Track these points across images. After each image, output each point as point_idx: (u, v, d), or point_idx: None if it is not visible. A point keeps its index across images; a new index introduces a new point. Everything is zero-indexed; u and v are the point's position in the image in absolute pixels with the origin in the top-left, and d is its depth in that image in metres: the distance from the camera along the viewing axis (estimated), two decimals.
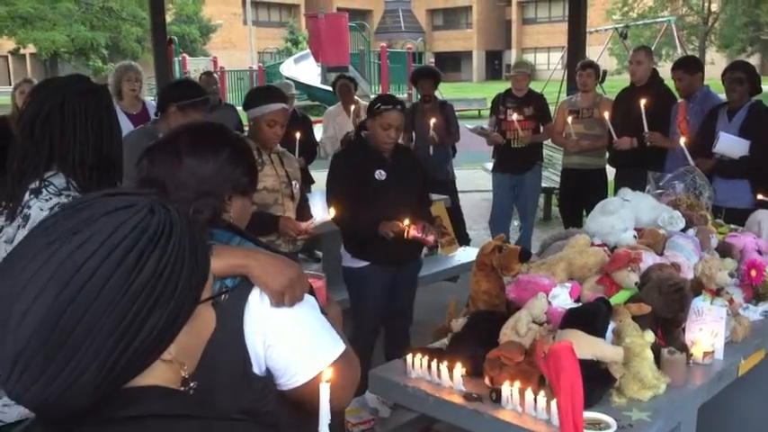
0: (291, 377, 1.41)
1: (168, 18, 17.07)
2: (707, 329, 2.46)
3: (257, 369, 1.42)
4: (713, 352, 2.45)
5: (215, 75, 7.94)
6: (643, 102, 5.08)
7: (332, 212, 3.26)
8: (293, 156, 3.82)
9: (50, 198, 1.93)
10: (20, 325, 0.81)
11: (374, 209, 3.55)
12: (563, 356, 1.90)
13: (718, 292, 2.69)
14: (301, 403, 1.43)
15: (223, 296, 1.31)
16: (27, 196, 1.94)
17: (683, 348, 2.39)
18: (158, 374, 0.90)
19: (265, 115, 3.48)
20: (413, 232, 3.56)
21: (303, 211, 3.66)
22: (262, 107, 3.49)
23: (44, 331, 0.81)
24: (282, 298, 1.39)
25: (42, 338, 0.81)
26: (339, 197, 3.57)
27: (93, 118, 2.02)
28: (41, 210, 1.91)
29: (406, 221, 3.55)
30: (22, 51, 33.93)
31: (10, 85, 29.54)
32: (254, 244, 1.54)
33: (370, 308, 3.77)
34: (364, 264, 3.75)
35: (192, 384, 0.97)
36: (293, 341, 1.42)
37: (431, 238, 3.66)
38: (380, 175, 3.65)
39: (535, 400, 2.06)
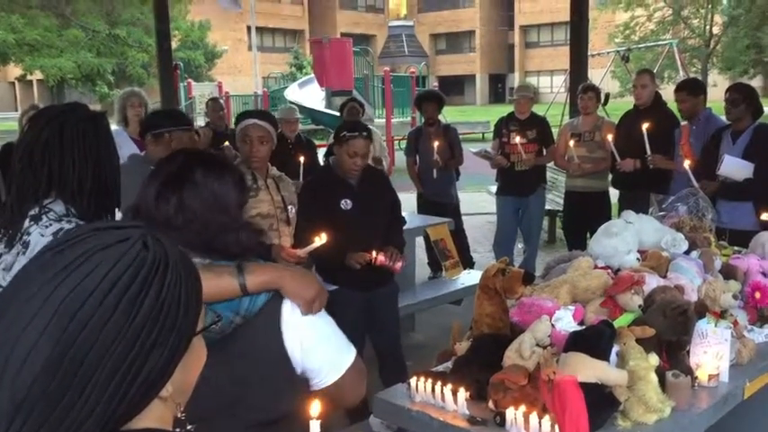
0: (324, 377, 1.59)
1: (174, 44, 17.20)
2: (711, 352, 2.44)
3: (298, 371, 1.57)
4: (718, 375, 2.43)
5: (221, 100, 8.02)
6: (645, 125, 5.10)
7: (323, 238, 3.15)
8: (290, 180, 3.78)
9: (51, 224, 1.91)
10: (20, 373, 0.75)
11: (340, 239, 3.42)
12: (567, 391, 1.90)
13: (722, 315, 2.68)
14: (324, 398, 1.56)
15: (214, 326, 1.30)
16: (27, 223, 1.93)
17: (688, 371, 2.38)
18: (154, 414, 0.86)
19: (238, 132, 3.52)
20: (380, 258, 3.57)
21: (302, 236, 3.64)
22: (238, 126, 3.55)
23: (46, 377, 0.75)
24: (312, 307, 1.56)
25: (44, 385, 0.75)
26: (307, 227, 3.43)
27: (92, 145, 2.01)
28: (42, 236, 1.89)
29: (374, 252, 3.55)
30: (28, 77, 34.26)
31: (17, 110, 29.80)
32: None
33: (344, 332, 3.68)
34: (334, 288, 3.68)
35: (189, 427, 0.95)
36: (325, 344, 1.61)
37: (398, 266, 3.65)
38: (346, 204, 3.64)
39: (540, 423, 2.05)
